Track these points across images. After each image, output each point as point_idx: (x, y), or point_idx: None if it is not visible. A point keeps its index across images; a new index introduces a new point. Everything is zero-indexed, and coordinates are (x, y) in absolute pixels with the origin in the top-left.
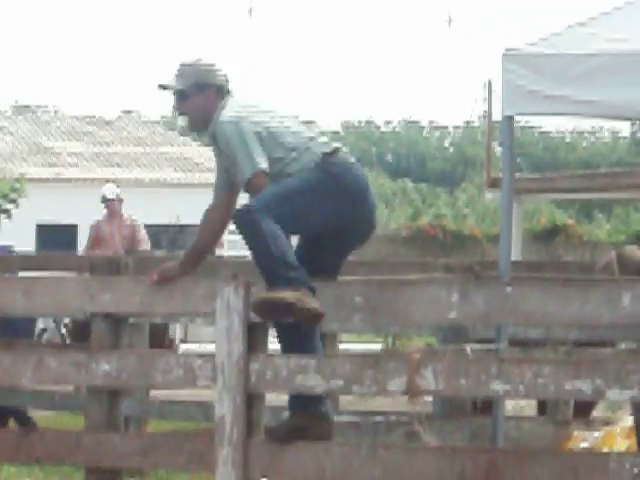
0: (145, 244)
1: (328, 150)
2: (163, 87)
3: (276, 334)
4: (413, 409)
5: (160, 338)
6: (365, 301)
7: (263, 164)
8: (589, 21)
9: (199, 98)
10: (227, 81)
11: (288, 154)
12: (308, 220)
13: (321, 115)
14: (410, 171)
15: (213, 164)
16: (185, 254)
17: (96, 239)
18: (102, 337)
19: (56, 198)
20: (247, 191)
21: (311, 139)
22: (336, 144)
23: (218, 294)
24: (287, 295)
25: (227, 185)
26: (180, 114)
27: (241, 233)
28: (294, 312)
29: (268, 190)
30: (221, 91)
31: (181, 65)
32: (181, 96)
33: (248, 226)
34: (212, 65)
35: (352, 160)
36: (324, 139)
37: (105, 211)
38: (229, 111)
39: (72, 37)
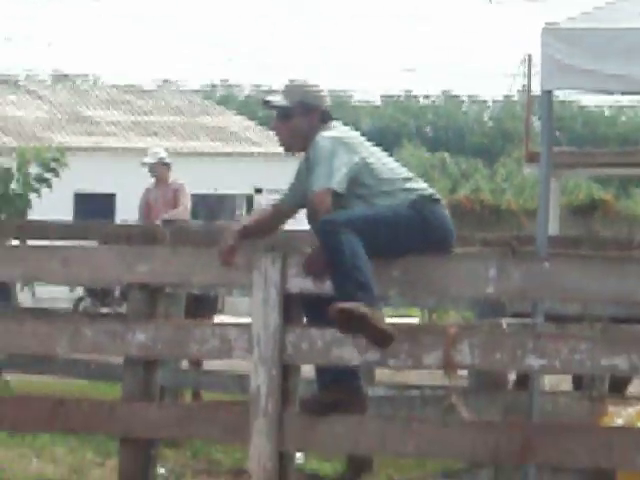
0: (184, 209)
1: (428, 195)
2: (267, 102)
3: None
4: (449, 383)
5: (210, 309)
6: (402, 275)
7: (336, 185)
8: None
9: (303, 119)
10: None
11: (380, 185)
12: (385, 250)
13: (360, 88)
14: (449, 144)
15: (249, 134)
16: (244, 226)
17: (145, 208)
18: (138, 307)
19: (94, 167)
20: (308, 209)
21: (410, 180)
22: (438, 196)
23: (255, 265)
24: (363, 308)
25: (293, 201)
26: (275, 133)
27: (322, 242)
28: (368, 326)
29: (357, 209)
30: (325, 116)
31: (288, 84)
32: (284, 114)
33: (330, 236)
34: (319, 87)
35: (447, 214)
36: (426, 187)
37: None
38: (331, 132)
39: (112, 5)
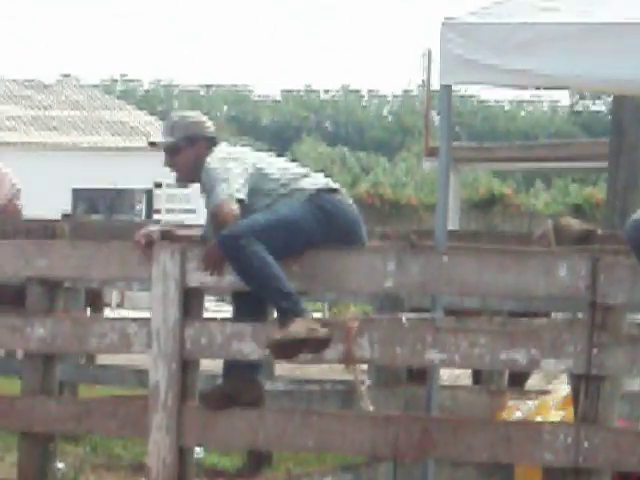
0: None
1: (323, 186)
2: (153, 144)
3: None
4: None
5: (95, 302)
6: (301, 269)
7: (237, 193)
8: None
9: (190, 151)
10: (214, 132)
11: (278, 188)
12: (290, 249)
13: (261, 83)
14: (348, 139)
15: (149, 128)
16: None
17: None
18: (37, 302)
19: None
20: (214, 223)
21: (305, 175)
22: (335, 185)
23: (154, 259)
24: (300, 331)
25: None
26: (171, 170)
27: (228, 259)
28: (307, 344)
29: (253, 216)
30: (211, 143)
31: (169, 120)
32: (172, 151)
33: (234, 252)
34: (200, 117)
35: (349, 202)
36: (323, 179)
37: None
38: (217, 154)
39: None
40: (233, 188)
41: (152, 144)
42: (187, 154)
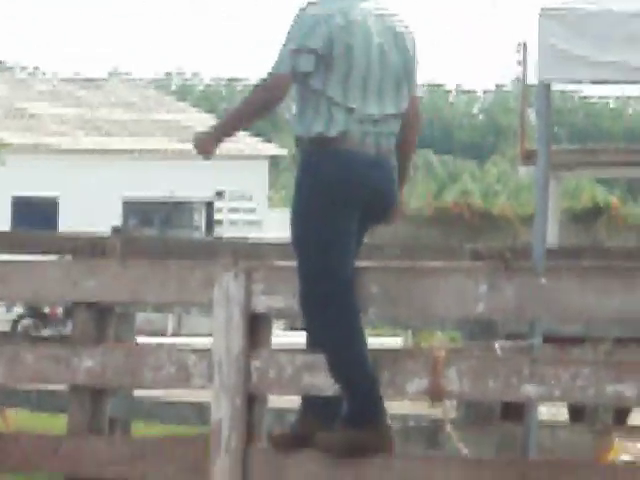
0: None
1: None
2: None
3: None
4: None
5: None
6: (382, 291)
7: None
8: None
9: None
10: None
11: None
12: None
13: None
14: (434, 141)
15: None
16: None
17: None
18: (85, 329)
19: (35, 168)
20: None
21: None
22: (342, 128)
23: (216, 281)
24: (367, 438)
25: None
26: None
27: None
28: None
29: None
30: None
31: None
32: None
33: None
34: None
35: (364, 149)
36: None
37: None
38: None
39: None
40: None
41: None
42: None
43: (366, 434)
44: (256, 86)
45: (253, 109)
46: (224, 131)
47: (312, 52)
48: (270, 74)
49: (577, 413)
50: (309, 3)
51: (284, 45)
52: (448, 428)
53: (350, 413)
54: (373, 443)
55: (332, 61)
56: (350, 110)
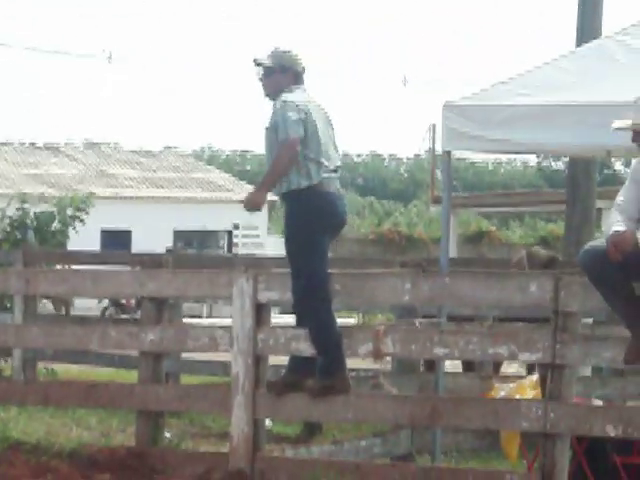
0: None
1: (315, 182)
2: (256, 61)
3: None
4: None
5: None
6: (342, 288)
7: (299, 133)
8: (508, 80)
9: (280, 77)
10: (304, 71)
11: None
12: (316, 251)
13: None
14: (375, 190)
15: (229, 185)
16: (264, 179)
17: None
18: (149, 314)
19: (115, 211)
20: (279, 149)
21: (325, 168)
22: (318, 176)
23: (234, 282)
24: (335, 384)
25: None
26: (261, 84)
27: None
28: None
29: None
30: (297, 77)
31: (275, 49)
32: (267, 71)
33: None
34: (296, 54)
35: (330, 190)
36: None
37: None
38: (292, 97)
39: (122, 84)
40: (296, 128)
41: (255, 61)
42: (277, 78)
43: (334, 381)
44: (280, 148)
45: (283, 166)
46: (267, 187)
47: (301, 123)
48: (286, 138)
49: (469, 366)
50: (287, 92)
51: (288, 116)
52: (381, 378)
53: (323, 366)
54: (338, 387)
55: (306, 132)
56: (320, 164)
